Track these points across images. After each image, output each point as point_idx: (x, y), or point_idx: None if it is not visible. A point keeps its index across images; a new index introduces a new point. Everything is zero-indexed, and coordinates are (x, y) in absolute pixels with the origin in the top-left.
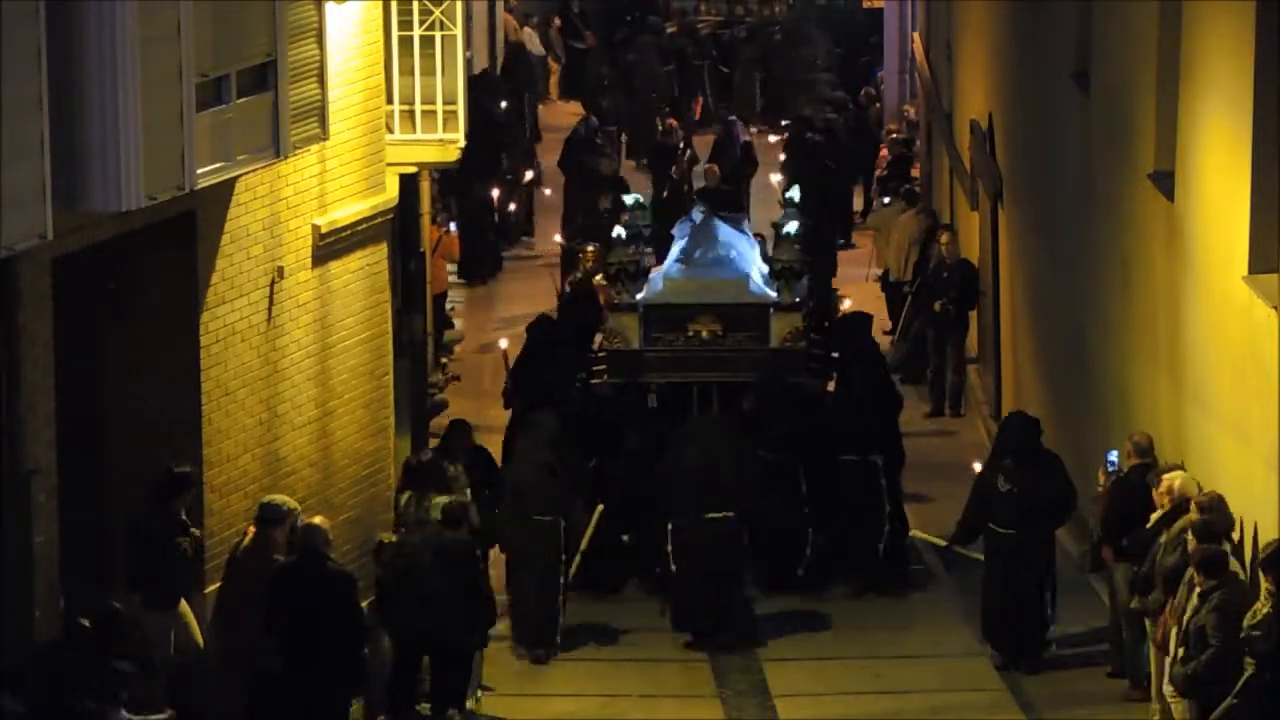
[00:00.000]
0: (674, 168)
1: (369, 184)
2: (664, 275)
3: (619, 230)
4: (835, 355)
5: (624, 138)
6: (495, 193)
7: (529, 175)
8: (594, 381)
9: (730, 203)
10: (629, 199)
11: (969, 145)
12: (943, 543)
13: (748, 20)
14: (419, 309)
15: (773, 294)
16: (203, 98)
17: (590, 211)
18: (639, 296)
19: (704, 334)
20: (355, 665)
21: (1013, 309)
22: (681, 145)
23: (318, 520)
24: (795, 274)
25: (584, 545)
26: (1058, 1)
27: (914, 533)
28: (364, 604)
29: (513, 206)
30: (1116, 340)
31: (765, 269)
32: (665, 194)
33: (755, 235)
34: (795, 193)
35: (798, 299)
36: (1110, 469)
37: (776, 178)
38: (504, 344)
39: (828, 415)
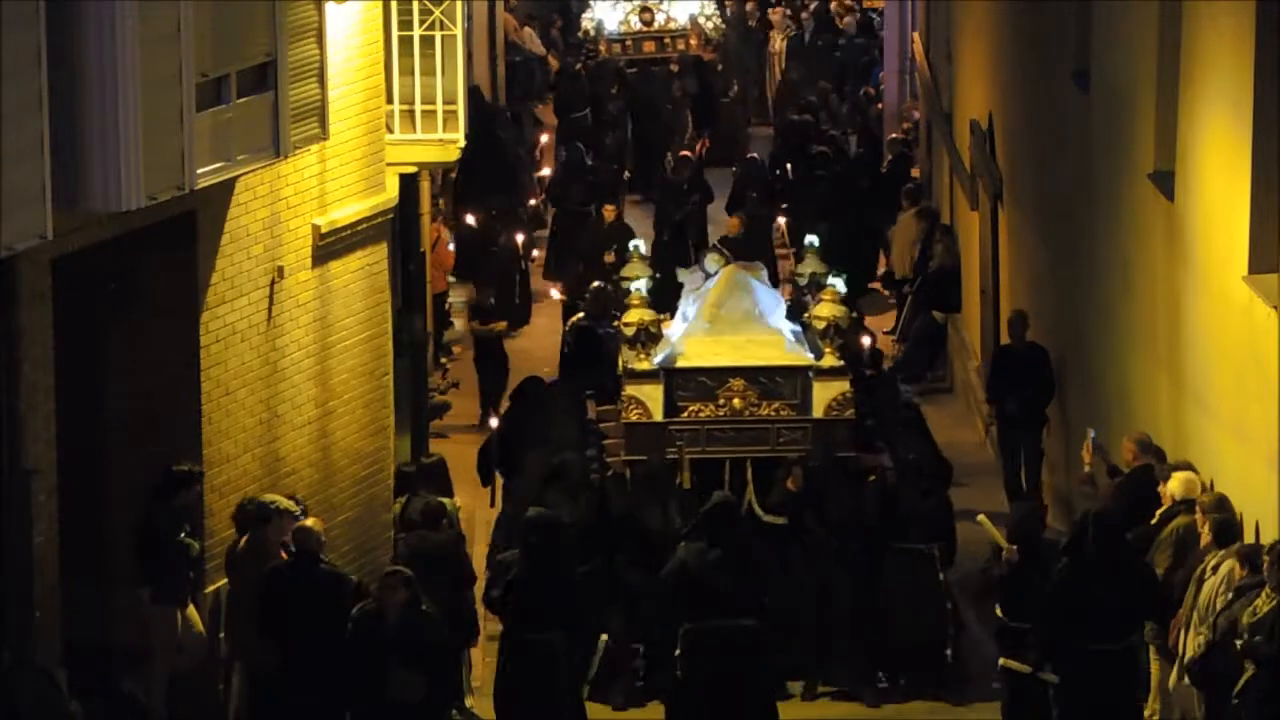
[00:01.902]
0: (677, 207)
1: (369, 184)
2: (686, 335)
3: (640, 284)
4: (871, 423)
5: (626, 175)
6: (520, 238)
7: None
8: (608, 459)
9: (749, 253)
10: (631, 245)
11: (969, 145)
12: (1028, 669)
13: (666, 55)
14: (419, 309)
15: (810, 355)
16: (203, 98)
17: (583, 253)
18: (658, 360)
19: (735, 402)
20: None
21: (1012, 309)
22: (684, 185)
23: (310, 522)
24: (841, 332)
25: (591, 674)
26: (1058, 1)
27: (1003, 661)
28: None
29: (536, 252)
30: (1116, 340)
31: (794, 326)
32: (665, 236)
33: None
34: (814, 239)
35: (843, 362)
36: (1095, 446)
37: (783, 220)
38: (495, 423)
39: (886, 497)
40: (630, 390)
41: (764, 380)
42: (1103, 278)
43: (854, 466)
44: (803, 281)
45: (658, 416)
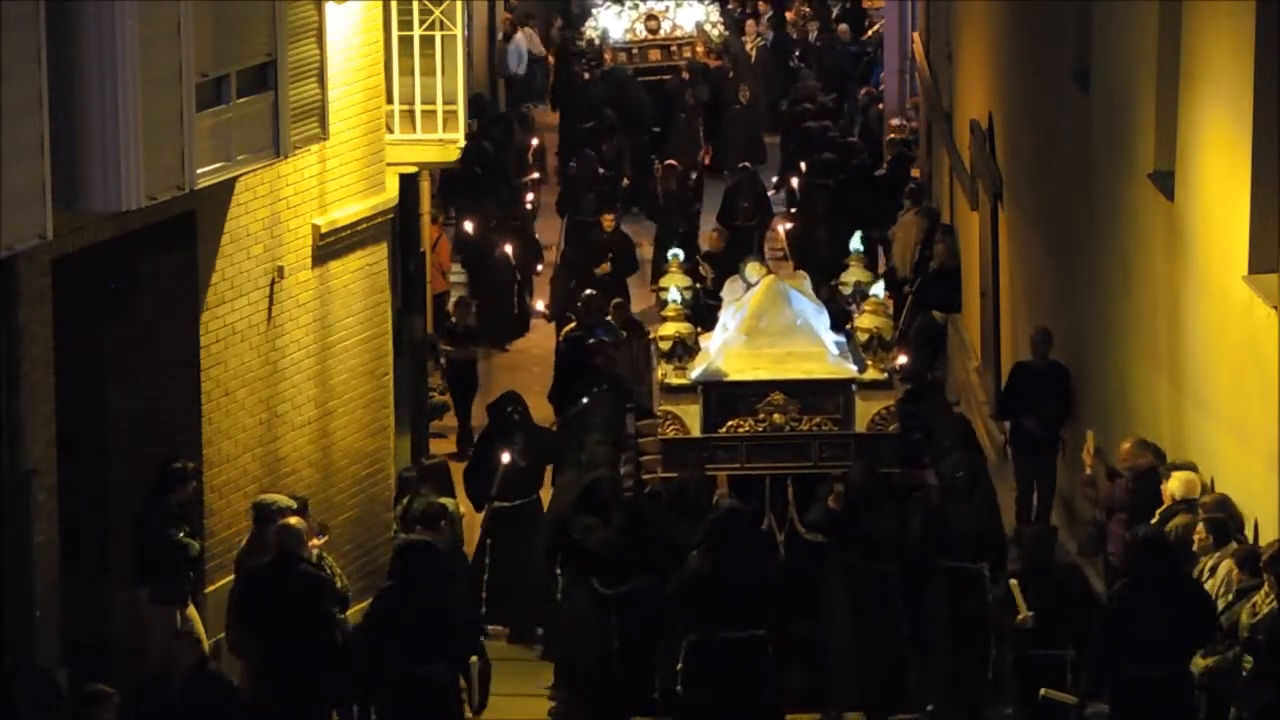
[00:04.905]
0: (683, 219)
1: (369, 184)
2: (723, 348)
3: (676, 295)
4: (919, 436)
5: (625, 182)
6: (509, 249)
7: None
8: (645, 476)
9: (732, 266)
10: (670, 254)
11: (969, 145)
12: (1074, 699)
13: (672, 63)
14: (419, 309)
15: (853, 368)
16: (203, 98)
17: (584, 268)
18: (695, 374)
19: (776, 417)
20: (331, 668)
21: (1013, 309)
22: (689, 196)
23: (292, 521)
24: (885, 345)
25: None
26: (1058, 1)
27: (1044, 692)
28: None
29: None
30: (1116, 340)
31: (837, 338)
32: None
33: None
34: (858, 242)
35: (887, 374)
36: (1095, 451)
37: (785, 227)
38: (506, 458)
39: (932, 514)
40: (666, 406)
41: (805, 394)
42: (1103, 278)
43: (898, 482)
44: (847, 290)
45: (695, 432)
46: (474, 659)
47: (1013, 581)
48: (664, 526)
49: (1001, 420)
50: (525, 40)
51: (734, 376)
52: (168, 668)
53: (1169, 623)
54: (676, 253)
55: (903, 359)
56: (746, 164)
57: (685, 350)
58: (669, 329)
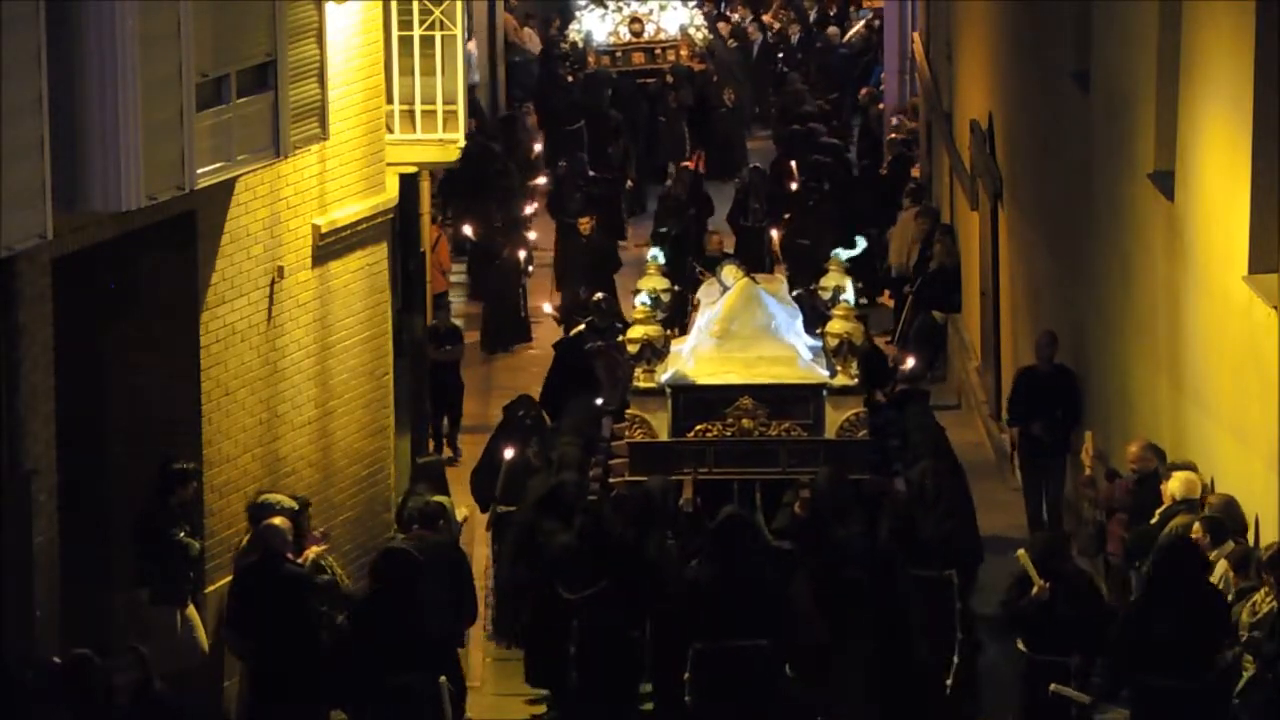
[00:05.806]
0: (677, 221)
1: (369, 184)
2: (694, 351)
3: (644, 297)
4: (897, 444)
5: (629, 184)
6: (522, 254)
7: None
8: (611, 480)
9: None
10: (649, 255)
11: (969, 145)
12: (1086, 699)
13: (656, 67)
14: (419, 309)
15: (824, 373)
16: (203, 98)
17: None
18: (664, 377)
19: (744, 422)
20: (324, 667)
21: (1013, 309)
22: (682, 199)
23: (276, 521)
24: (855, 350)
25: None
26: (1058, 1)
27: (1054, 687)
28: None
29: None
30: (1116, 340)
31: (812, 342)
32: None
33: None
34: (844, 252)
35: (856, 379)
36: (1094, 453)
37: (775, 233)
38: (509, 454)
39: (898, 522)
40: (634, 409)
41: (774, 399)
42: (1103, 278)
43: (867, 490)
44: (826, 295)
45: (663, 436)
46: (443, 679)
47: (1021, 552)
48: (627, 532)
49: (1010, 426)
50: (526, 38)
51: (703, 380)
52: (111, 684)
53: (1188, 631)
54: (655, 254)
55: (911, 361)
56: (758, 164)
57: (653, 353)
58: (636, 331)
